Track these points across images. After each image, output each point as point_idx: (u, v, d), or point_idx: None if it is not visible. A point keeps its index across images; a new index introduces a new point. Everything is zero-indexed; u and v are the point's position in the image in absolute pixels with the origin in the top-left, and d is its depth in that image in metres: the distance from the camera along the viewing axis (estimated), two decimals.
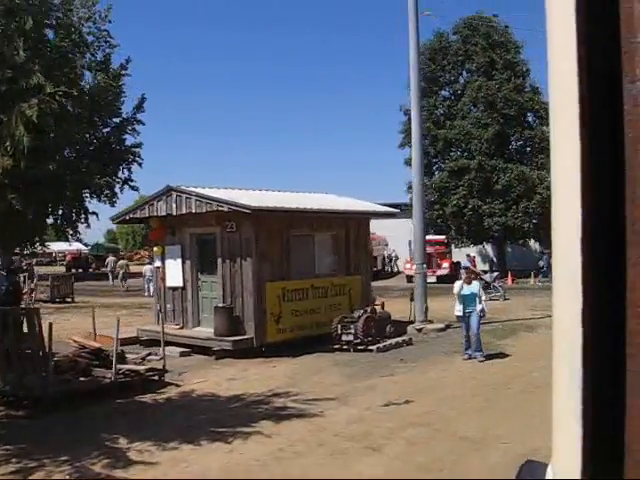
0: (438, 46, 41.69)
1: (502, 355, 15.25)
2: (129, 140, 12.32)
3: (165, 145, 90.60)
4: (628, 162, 0.83)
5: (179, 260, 18.29)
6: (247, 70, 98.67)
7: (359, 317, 15.87)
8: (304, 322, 17.37)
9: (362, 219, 19.25)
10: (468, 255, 31.99)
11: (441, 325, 18.80)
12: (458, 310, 14.80)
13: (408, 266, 39.56)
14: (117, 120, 12.19)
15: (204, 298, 18.05)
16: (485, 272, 32.55)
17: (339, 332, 15.96)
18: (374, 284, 28.39)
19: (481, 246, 41.57)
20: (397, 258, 46.77)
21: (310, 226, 17.80)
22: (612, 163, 0.85)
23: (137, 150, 12.47)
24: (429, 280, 38.27)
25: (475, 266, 32.40)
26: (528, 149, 40.28)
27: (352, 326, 15.75)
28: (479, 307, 14.63)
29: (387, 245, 45.41)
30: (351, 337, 15.77)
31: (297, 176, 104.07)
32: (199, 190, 17.14)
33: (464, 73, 42.25)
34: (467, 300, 14.62)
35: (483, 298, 14.88)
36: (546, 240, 41.41)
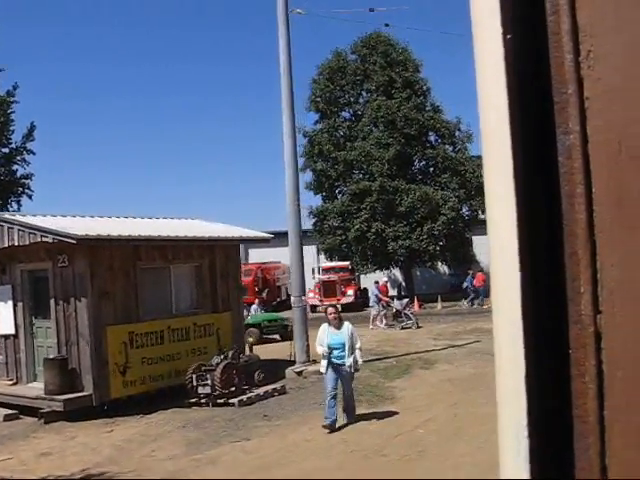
0: (336, 65, 39.72)
1: (388, 401, 12.71)
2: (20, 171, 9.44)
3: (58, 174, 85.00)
4: (565, 217, 0.84)
5: (10, 303, 15.05)
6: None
7: (217, 364, 13.01)
8: (159, 371, 14.40)
9: (231, 246, 16.48)
10: (377, 282, 29.49)
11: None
12: (322, 366, 10.97)
13: (311, 295, 37.12)
14: (5, 150, 9.34)
15: (39, 347, 14.83)
16: (394, 298, 30.31)
17: (194, 383, 13.07)
18: (268, 315, 25.98)
19: (388, 271, 39.38)
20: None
21: (164, 257, 14.91)
22: (548, 219, 0.87)
23: (27, 182, 9.61)
24: None
25: (387, 292, 30.10)
26: (431, 169, 38.56)
27: (209, 376, 12.89)
28: (349, 360, 10.74)
29: None
30: (208, 389, 12.90)
31: (198, 208, 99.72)
32: (23, 218, 14.05)
33: (364, 93, 40.38)
34: (335, 350, 10.80)
35: (357, 346, 10.94)
36: (455, 262, 39.84)
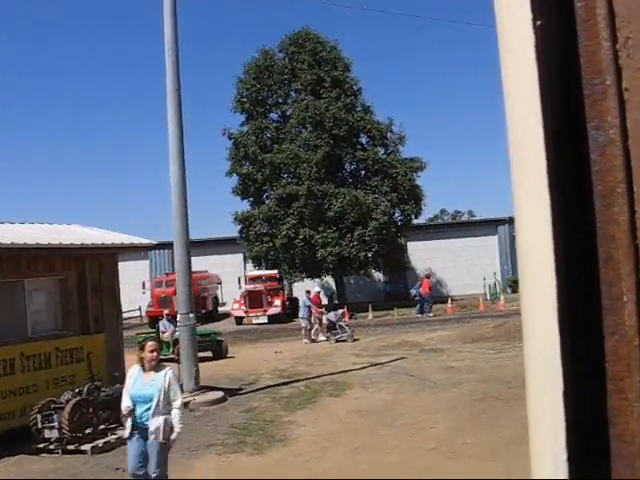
0: (263, 64, 37.33)
1: (279, 444, 10.29)
2: None
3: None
4: (599, 218, 0.80)
5: None
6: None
7: (67, 401, 10.38)
8: (8, 408, 11.67)
9: (106, 255, 13.85)
10: (308, 291, 26.91)
11: (218, 395, 13.64)
12: (126, 428, 7.45)
13: (236, 307, 34.55)
14: None
15: None
16: (327, 309, 27.70)
17: (39, 425, 10.42)
18: (201, 328, 23.26)
19: (319, 279, 37.08)
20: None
21: (17, 269, 12.21)
22: (580, 220, 0.82)
23: None
24: (259, 321, 34.13)
25: (319, 303, 27.56)
26: (362, 172, 36.45)
27: (56, 416, 10.26)
28: (155, 423, 7.15)
29: (220, 284, 40.02)
30: (56, 432, 10.27)
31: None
32: None
33: (292, 93, 38.10)
34: (140, 407, 7.26)
35: (177, 403, 7.37)
36: (388, 269, 37.82)
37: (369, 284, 42.85)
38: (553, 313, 0.79)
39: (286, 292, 36.62)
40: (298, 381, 15.41)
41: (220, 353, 20.29)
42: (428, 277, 32.41)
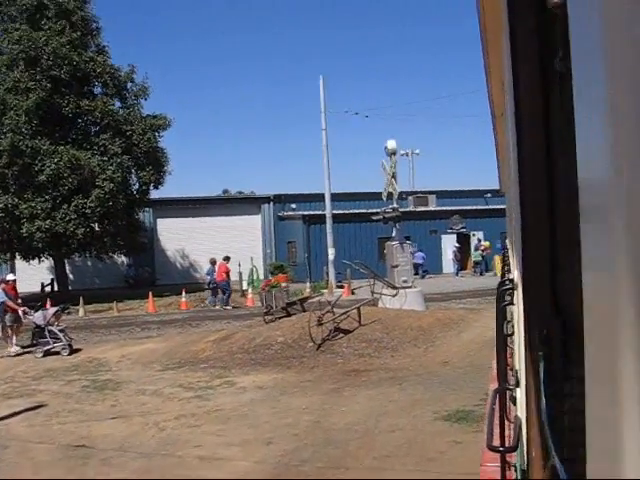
0: None
1: None
2: None
3: None
4: None
5: None
6: None
7: None
8: None
9: None
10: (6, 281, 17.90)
11: None
12: None
13: None
14: None
15: None
16: (37, 307, 18.15)
17: None
18: None
19: (36, 261, 28.42)
20: None
21: None
22: None
23: None
24: None
25: (16, 295, 18.60)
26: (92, 127, 28.23)
27: None
28: None
29: None
30: None
31: None
32: None
33: (4, 19, 28.73)
34: None
35: None
36: (121, 250, 30.11)
37: (110, 268, 34.81)
38: None
39: None
40: None
41: None
42: (225, 260, 24.83)
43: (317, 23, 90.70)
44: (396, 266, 16.35)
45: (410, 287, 16.37)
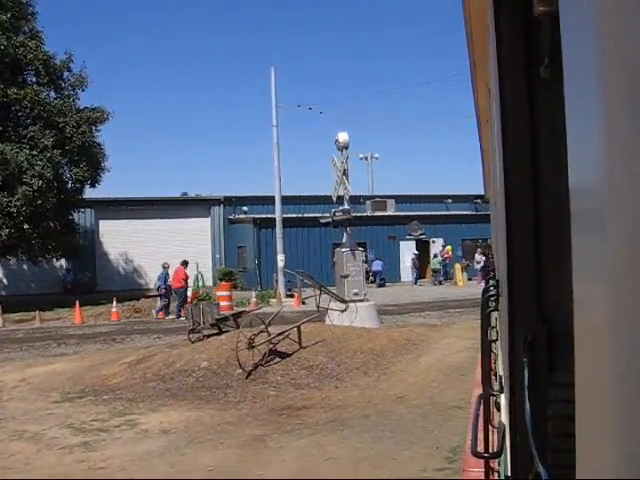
0: None
1: None
2: None
3: None
4: None
5: None
6: None
7: None
8: None
9: None
10: None
11: None
12: None
13: None
14: None
15: None
16: None
17: None
18: None
19: None
20: None
21: None
22: None
23: None
24: None
25: None
26: (21, 118, 25.52)
27: None
28: None
29: None
30: None
31: None
32: None
33: None
34: None
35: None
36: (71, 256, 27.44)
37: (47, 272, 32.01)
38: None
39: None
40: None
41: None
42: (184, 264, 21.94)
43: (270, 20, 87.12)
44: (346, 276, 14.17)
45: (362, 300, 14.26)
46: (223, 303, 21.20)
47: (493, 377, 3.30)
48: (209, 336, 12.59)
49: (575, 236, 0.69)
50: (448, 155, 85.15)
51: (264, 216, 29.99)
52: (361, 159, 51.69)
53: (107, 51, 70.69)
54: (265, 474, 6.29)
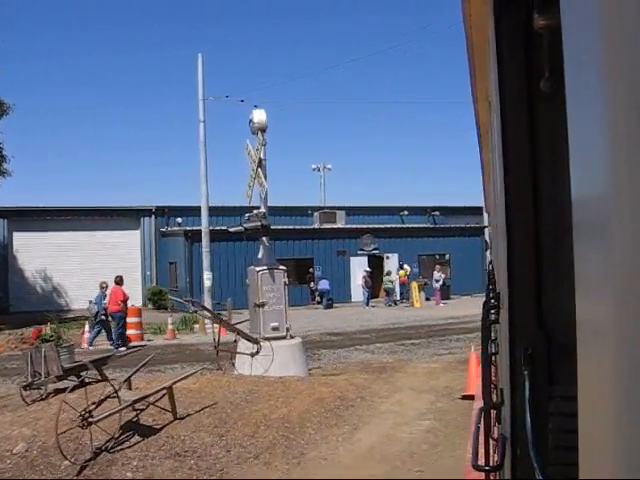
0: None
1: None
2: None
3: None
4: None
5: None
6: None
7: None
8: None
9: None
10: None
11: None
12: None
13: None
14: None
15: None
16: None
17: None
18: None
19: None
20: None
21: None
22: None
23: None
24: None
25: None
26: None
27: None
28: None
29: None
30: None
31: None
32: None
33: None
34: None
35: None
36: None
37: None
38: None
39: None
40: None
41: None
42: (119, 283, 17.46)
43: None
44: (262, 305, 10.08)
45: (284, 337, 10.36)
46: (131, 332, 17.22)
47: (494, 390, 3.08)
48: (57, 393, 8.55)
49: (577, 247, 0.68)
50: (404, 166, 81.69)
51: (196, 228, 25.95)
52: (313, 170, 48.34)
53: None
54: None
